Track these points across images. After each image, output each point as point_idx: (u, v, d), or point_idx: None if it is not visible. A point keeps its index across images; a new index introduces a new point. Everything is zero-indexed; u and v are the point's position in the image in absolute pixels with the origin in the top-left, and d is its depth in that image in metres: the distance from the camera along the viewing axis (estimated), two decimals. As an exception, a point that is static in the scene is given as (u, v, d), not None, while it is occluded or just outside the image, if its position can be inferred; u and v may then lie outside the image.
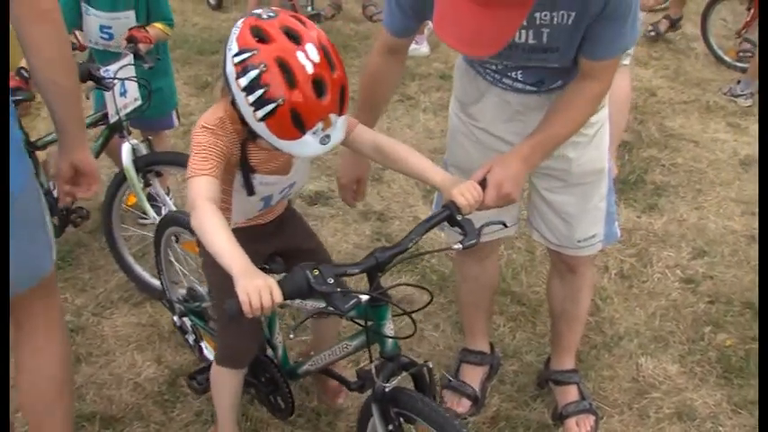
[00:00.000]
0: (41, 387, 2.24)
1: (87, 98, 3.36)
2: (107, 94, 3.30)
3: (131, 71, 3.39)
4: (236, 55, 1.78)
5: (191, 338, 2.95)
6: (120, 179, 3.41)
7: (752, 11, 5.93)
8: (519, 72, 2.25)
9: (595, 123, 2.34)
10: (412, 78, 5.94)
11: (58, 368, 2.25)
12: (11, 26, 1.88)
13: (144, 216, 3.52)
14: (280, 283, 1.69)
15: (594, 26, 2.00)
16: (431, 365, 2.10)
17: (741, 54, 6.14)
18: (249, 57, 1.76)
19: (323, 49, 1.78)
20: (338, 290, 1.73)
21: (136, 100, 3.46)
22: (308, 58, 1.75)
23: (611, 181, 2.54)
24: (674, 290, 3.52)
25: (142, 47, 3.49)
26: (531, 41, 2.08)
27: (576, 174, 2.38)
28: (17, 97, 3.46)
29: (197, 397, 2.91)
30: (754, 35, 5.98)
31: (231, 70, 1.78)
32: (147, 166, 3.36)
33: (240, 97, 1.78)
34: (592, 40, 2.04)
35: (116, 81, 3.27)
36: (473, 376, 2.91)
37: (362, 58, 6.15)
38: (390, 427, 2.06)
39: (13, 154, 1.91)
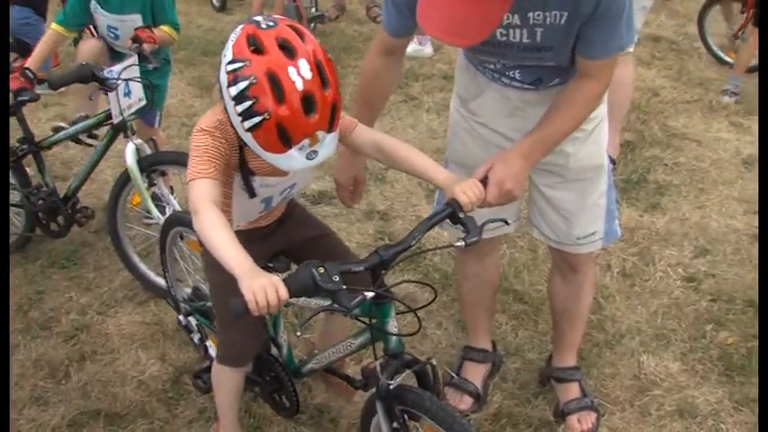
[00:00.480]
0: None
1: (91, 99, 3.37)
2: (111, 95, 3.32)
3: (136, 71, 3.41)
4: (230, 63, 1.78)
5: (196, 337, 2.96)
6: (125, 179, 3.43)
7: (746, 14, 5.95)
8: (516, 71, 2.27)
9: (594, 119, 2.35)
10: (415, 79, 5.97)
11: None
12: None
13: (149, 215, 3.54)
14: (285, 281, 1.70)
15: (588, 26, 2.01)
16: (434, 362, 2.11)
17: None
18: (241, 67, 1.76)
19: (317, 66, 1.77)
20: (344, 287, 1.74)
21: (140, 100, 3.49)
22: (299, 74, 1.74)
23: (610, 178, 2.55)
24: (676, 288, 3.53)
25: (146, 47, 3.51)
26: (525, 41, 2.09)
27: (574, 169, 2.40)
28: (23, 98, 3.49)
29: (201, 395, 2.93)
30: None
31: (224, 78, 1.79)
32: (152, 165, 3.38)
33: (230, 105, 1.79)
34: (587, 39, 2.05)
35: (120, 82, 3.29)
36: (475, 374, 2.93)
37: (366, 59, 6.15)
38: (395, 425, 2.06)
39: None
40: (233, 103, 1.77)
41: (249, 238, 1.91)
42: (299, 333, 1.88)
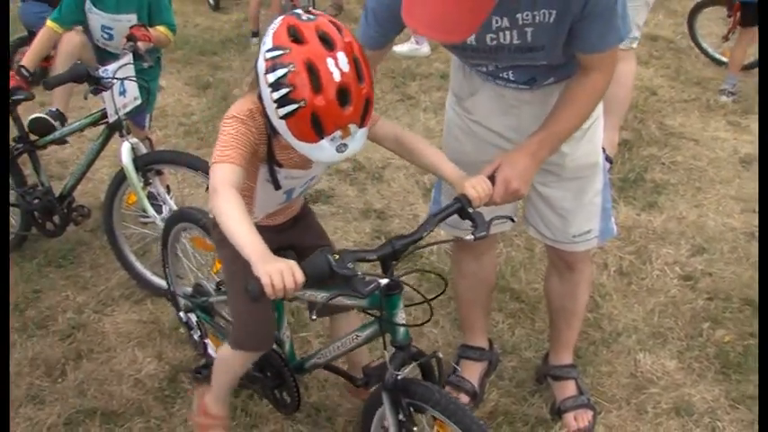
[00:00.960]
0: None
1: (85, 98, 3.38)
2: (106, 94, 3.33)
3: (131, 70, 3.42)
4: (269, 51, 1.81)
5: (196, 335, 2.97)
6: (121, 178, 3.44)
7: (732, 18, 5.99)
8: (510, 72, 2.28)
9: (590, 118, 2.36)
10: (412, 78, 5.98)
11: None
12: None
13: (145, 215, 3.55)
14: (300, 266, 1.73)
15: (582, 23, 2.02)
16: (440, 356, 2.14)
17: None
18: (280, 55, 1.79)
19: (354, 60, 1.81)
20: (359, 273, 1.78)
21: (135, 99, 3.50)
22: (337, 66, 1.78)
23: (606, 177, 2.56)
24: (673, 287, 3.54)
25: (141, 45, 3.52)
26: (515, 42, 2.10)
27: (570, 168, 2.41)
28: (18, 97, 3.50)
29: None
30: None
31: (262, 65, 1.82)
32: (147, 165, 3.39)
33: (266, 92, 1.82)
34: (582, 36, 2.06)
35: (115, 81, 3.30)
36: (472, 372, 2.94)
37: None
38: (401, 417, 2.08)
39: None
40: (269, 89, 1.80)
41: (261, 231, 1.92)
42: (314, 317, 1.96)
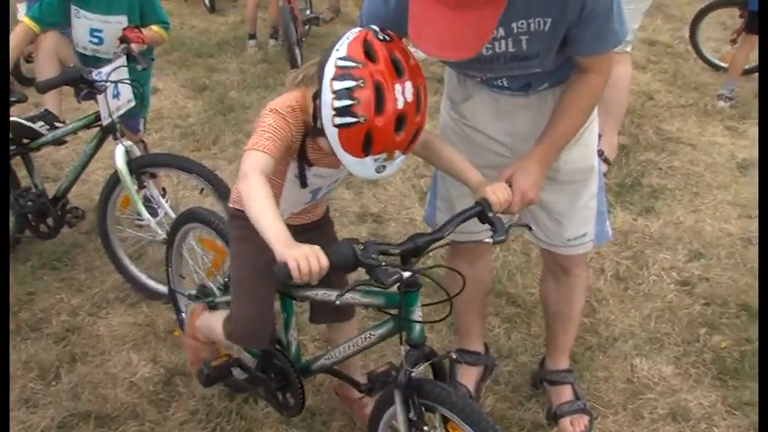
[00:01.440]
0: None
1: (79, 102, 3.38)
2: (99, 98, 3.33)
3: (124, 73, 3.41)
4: (342, 59, 1.84)
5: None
6: (115, 181, 3.43)
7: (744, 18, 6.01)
8: (504, 80, 2.30)
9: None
10: (410, 81, 5.98)
11: None
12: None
13: (139, 217, 3.55)
14: (325, 252, 1.77)
15: (578, 28, 2.04)
16: (454, 356, 2.18)
17: None
18: (353, 67, 1.82)
19: (417, 92, 1.86)
20: (383, 264, 1.82)
21: (129, 102, 3.49)
22: (403, 94, 1.83)
23: (601, 180, 2.57)
24: (670, 292, 3.55)
25: (135, 47, 3.50)
26: (510, 50, 2.12)
27: (565, 171, 2.42)
28: (11, 99, 3.49)
29: (192, 396, 2.94)
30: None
31: (330, 69, 1.84)
32: (141, 167, 3.39)
33: (327, 97, 1.84)
34: (580, 39, 2.08)
35: (108, 84, 3.29)
36: (468, 376, 2.94)
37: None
38: (411, 415, 2.09)
39: None
40: (332, 96, 1.83)
41: None
42: (337, 302, 2.04)
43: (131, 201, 3.38)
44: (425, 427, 2.09)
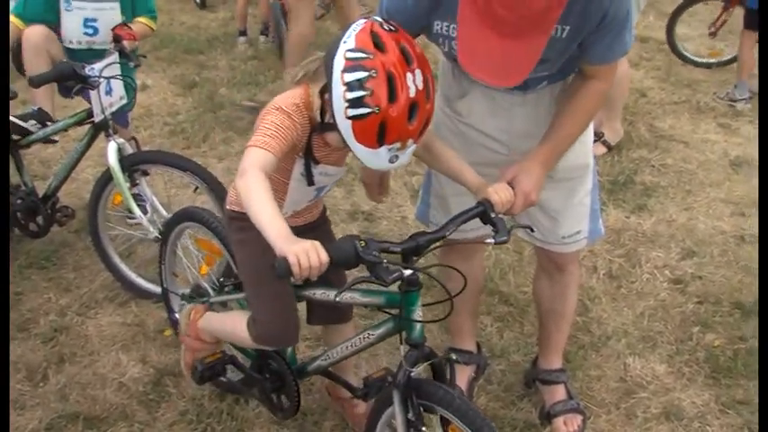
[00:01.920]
0: None
1: (72, 97, 3.37)
2: (92, 94, 3.31)
3: (117, 69, 3.40)
4: (351, 51, 1.83)
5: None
6: (106, 179, 3.41)
7: (723, 10, 6.06)
8: None
9: None
10: (401, 78, 5.97)
11: None
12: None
13: (131, 215, 3.53)
14: (326, 248, 1.76)
15: (594, 36, 2.06)
16: (454, 357, 2.16)
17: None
18: (364, 58, 1.82)
19: (426, 79, 1.87)
20: (384, 261, 1.82)
21: (121, 98, 3.48)
22: (414, 82, 1.83)
23: (595, 177, 2.58)
24: (663, 290, 3.55)
25: (127, 44, 3.51)
26: None
27: (561, 169, 2.42)
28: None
29: (182, 396, 2.93)
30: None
31: (340, 62, 1.84)
32: (134, 165, 3.37)
33: (338, 90, 1.83)
34: (592, 48, 2.10)
35: (102, 80, 3.28)
36: (460, 376, 2.93)
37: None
38: (410, 416, 2.08)
39: None
40: (344, 88, 1.82)
41: None
42: (338, 299, 2.07)
43: (123, 198, 3.36)
44: (424, 428, 2.09)
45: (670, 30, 6.44)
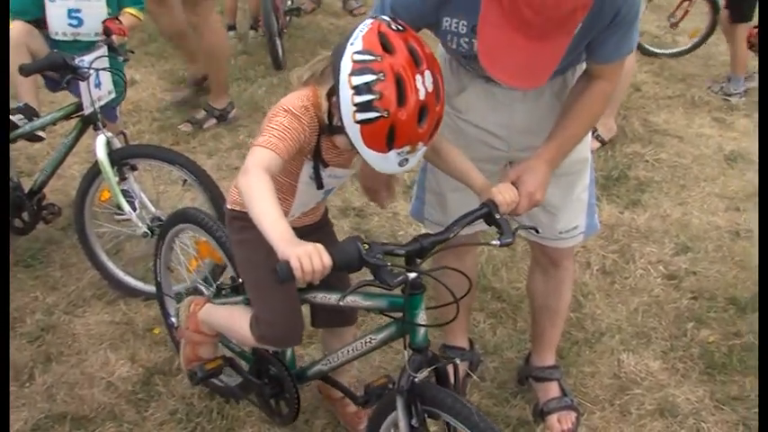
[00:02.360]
0: None
1: (63, 88, 3.36)
2: (82, 85, 3.29)
3: (106, 62, 3.40)
4: (359, 53, 1.81)
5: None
6: (94, 174, 3.40)
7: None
8: None
9: None
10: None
11: None
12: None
13: (118, 212, 3.52)
14: (329, 251, 1.74)
15: (604, 34, 2.06)
16: (458, 362, 2.15)
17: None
18: (372, 61, 1.79)
19: (435, 80, 1.84)
20: (388, 264, 1.80)
21: (110, 92, 3.47)
22: (423, 84, 1.81)
23: (593, 172, 2.59)
24: (657, 286, 3.56)
25: (116, 38, 3.49)
26: None
27: (562, 164, 2.41)
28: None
29: (172, 395, 2.92)
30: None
31: (347, 64, 1.81)
32: (123, 159, 3.35)
33: (346, 93, 1.81)
34: (600, 46, 2.10)
35: (91, 71, 3.26)
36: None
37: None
38: (413, 422, 2.06)
39: None
40: (352, 92, 1.80)
41: None
42: (340, 302, 2.04)
43: (112, 194, 3.34)
44: None
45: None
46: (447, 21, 2.12)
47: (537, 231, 2.23)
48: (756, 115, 4.93)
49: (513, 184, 2.11)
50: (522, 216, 2.55)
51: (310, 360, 2.94)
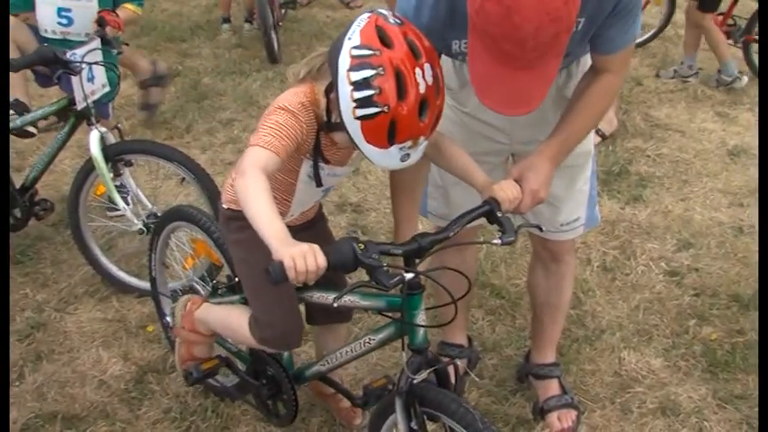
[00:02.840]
0: None
1: (52, 84, 3.35)
2: (74, 80, 3.27)
3: (99, 56, 3.37)
4: (357, 48, 1.80)
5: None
6: (88, 169, 3.39)
7: None
8: None
9: None
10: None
11: None
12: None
13: (112, 207, 3.51)
14: (324, 251, 1.73)
15: (605, 25, 2.05)
16: (459, 363, 2.12)
17: None
18: (370, 55, 1.78)
19: (435, 73, 1.84)
20: (384, 265, 1.79)
21: (104, 86, 3.46)
22: (423, 77, 1.80)
23: (594, 164, 2.59)
24: (659, 282, 3.56)
25: (109, 31, 3.47)
26: None
27: None
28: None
29: (165, 393, 2.92)
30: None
31: (345, 60, 1.80)
32: (117, 155, 3.35)
33: (345, 89, 1.80)
34: (604, 37, 2.09)
35: (84, 65, 3.25)
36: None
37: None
38: (413, 425, 2.06)
39: None
40: (351, 87, 1.79)
41: None
42: (335, 304, 1.99)
43: (107, 189, 3.33)
44: None
45: None
46: (456, 43, 2.11)
47: (541, 230, 2.21)
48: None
49: (516, 181, 2.11)
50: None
51: (306, 358, 2.95)
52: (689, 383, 3.00)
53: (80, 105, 3.34)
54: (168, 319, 3.01)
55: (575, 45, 2.10)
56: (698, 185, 4.40)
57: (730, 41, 5.90)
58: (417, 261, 1.96)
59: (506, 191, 2.04)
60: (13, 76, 3.55)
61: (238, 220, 2.08)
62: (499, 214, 2.02)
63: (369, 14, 1.87)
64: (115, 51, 3.56)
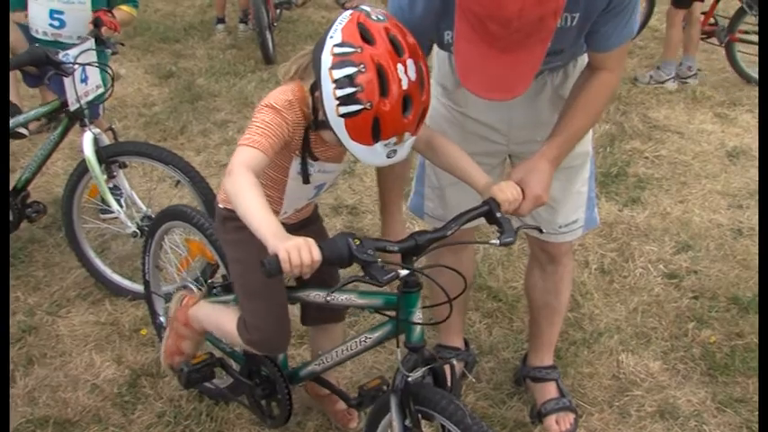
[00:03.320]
0: None
1: (44, 86, 3.35)
2: (66, 81, 3.27)
3: (92, 56, 3.37)
4: (338, 46, 1.82)
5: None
6: (82, 170, 3.39)
7: None
8: None
9: None
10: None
11: None
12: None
13: (106, 209, 3.50)
14: (319, 245, 1.74)
15: (600, 21, 2.06)
16: (454, 362, 2.13)
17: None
18: (351, 53, 1.80)
19: (419, 69, 1.85)
20: (379, 260, 1.79)
21: (98, 87, 3.45)
22: (405, 73, 1.81)
23: (593, 165, 2.60)
24: (657, 285, 3.57)
25: (105, 31, 3.47)
26: None
27: None
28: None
29: (159, 397, 2.92)
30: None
31: (327, 58, 1.82)
32: (111, 156, 3.35)
33: (328, 87, 1.82)
34: (600, 34, 2.10)
35: (76, 66, 3.25)
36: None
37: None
38: (407, 423, 2.07)
39: None
40: (333, 85, 1.81)
41: None
42: (329, 298, 2.04)
43: (101, 191, 3.33)
44: None
45: None
46: (448, 34, 2.13)
47: (541, 231, 2.22)
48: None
49: (517, 184, 2.11)
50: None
51: (302, 360, 2.95)
52: (688, 387, 3.00)
53: (73, 107, 3.34)
54: (161, 319, 3.01)
55: (570, 42, 2.11)
56: (697, 187, 4.41)
57: (714, 41, 5.94)
58: (414, 258, 1.96)
59: (506, 192, 2.05)
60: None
61: (234, 220, 2.09)
62: (498, 215, 2.03)
63: (351, 12, 1.89)
64: (110, 51, 3.55)
